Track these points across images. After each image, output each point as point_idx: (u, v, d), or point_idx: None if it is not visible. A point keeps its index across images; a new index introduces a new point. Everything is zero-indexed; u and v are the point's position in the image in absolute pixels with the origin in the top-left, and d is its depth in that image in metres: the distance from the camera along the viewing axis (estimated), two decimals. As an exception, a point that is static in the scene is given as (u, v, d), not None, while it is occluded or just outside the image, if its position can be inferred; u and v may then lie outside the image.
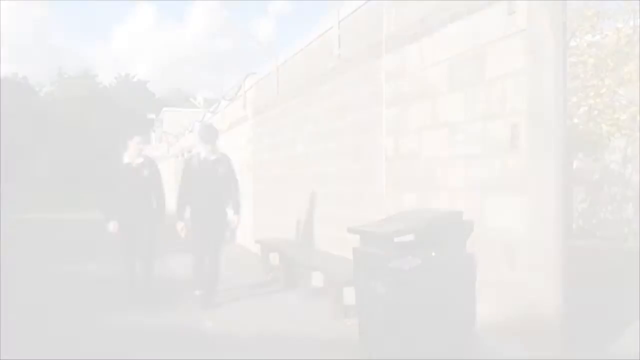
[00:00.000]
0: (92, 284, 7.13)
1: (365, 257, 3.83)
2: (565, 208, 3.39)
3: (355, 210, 5.89)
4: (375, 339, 3.76)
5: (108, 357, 4.23)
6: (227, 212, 5.75)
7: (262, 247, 7.83)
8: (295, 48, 8.00)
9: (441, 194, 4.28)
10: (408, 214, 4.41)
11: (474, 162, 3.90)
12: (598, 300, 5.98)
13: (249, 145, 10.49)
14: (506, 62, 3.57)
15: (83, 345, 4.52)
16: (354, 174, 5.94)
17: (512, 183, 3.53)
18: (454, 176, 4.12)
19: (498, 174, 3.65)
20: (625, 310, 5.33)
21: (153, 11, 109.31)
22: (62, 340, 4.66)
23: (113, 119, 49.52)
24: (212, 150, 5.69)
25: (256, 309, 5.62)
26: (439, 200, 4.31)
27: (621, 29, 7.95)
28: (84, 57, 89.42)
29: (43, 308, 5.82)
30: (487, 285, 3.77)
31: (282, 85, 8.60)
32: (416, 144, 4.63)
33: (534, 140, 3.38)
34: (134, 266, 5.87)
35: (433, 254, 3.63)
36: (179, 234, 5.51)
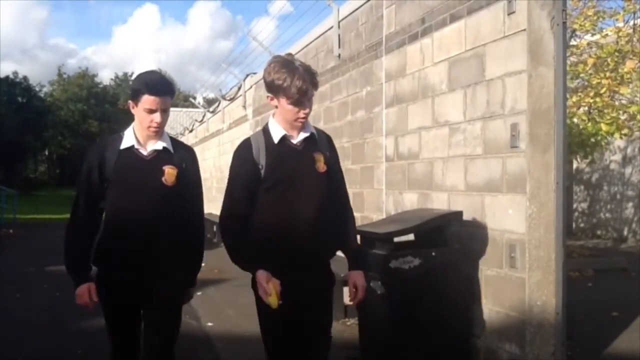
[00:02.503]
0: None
1: (365, 257, 3.82)
2: (565, 208, 3.39)
3: (355, 210, 5.88)
4: (375, 339, 3.75)
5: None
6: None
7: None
8: (295, 48, 7.99)
9: (441, 194, 4.28)
10: (408, 214, 4.42)
11: (474, 162, 3.90)
12: (598, 299, 5.99)
13: (249, 145, 10.47)
14: (506, 62, 3.57)
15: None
16: (354, 174, 5.94)
17: (512, 183, 3.53)
18: (454, 176, 4.12)
19: (498, 174, 3.66)
20: (625, 309, 5.34)
21: (153, 11, 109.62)
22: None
23: (113, 119, 49.52)
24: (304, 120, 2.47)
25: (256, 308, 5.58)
26: (439, 200, 4.31)
27: (621, 29, 7.96)
28: (84, 57, 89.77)
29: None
30: (487, 284, 3.78)
31: (282, 85, 8.57)
32: (416, 144, 4.63)
33: (534, 140, 3.38)
34: None
35: (433, 254, 3.63)
36: (268, 301, 2.36)
